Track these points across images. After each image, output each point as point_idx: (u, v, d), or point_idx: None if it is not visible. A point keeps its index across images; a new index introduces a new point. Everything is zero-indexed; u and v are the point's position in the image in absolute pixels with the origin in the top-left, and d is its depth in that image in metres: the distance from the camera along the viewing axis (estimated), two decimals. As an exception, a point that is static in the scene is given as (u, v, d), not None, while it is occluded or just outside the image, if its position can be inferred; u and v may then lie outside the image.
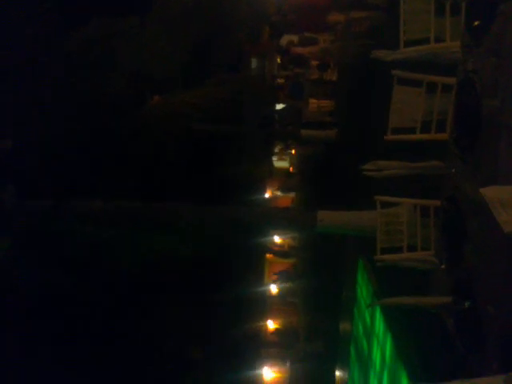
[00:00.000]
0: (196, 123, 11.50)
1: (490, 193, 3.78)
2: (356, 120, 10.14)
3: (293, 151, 16.16)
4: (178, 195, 9.79)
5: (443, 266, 4.46)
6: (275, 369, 14.38)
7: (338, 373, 10.19)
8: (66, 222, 8.12)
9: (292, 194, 16.96)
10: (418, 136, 5.39)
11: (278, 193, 17.61)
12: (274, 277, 14.98)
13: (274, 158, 17.27)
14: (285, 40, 13.28)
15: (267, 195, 17.16)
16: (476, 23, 4.14)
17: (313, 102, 12.12)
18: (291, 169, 16.80)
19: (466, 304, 3.90)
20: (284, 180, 16.67)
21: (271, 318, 14.50)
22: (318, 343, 11.28)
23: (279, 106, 14.80)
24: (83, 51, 9.79)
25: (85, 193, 8.78)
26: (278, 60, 15.07)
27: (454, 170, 4.45)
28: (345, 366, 9.20)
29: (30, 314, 8.44)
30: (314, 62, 11.93)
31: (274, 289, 14.80)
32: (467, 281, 4.35)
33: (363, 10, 9.43)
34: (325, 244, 9.65)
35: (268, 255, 15.65)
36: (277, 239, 15.01)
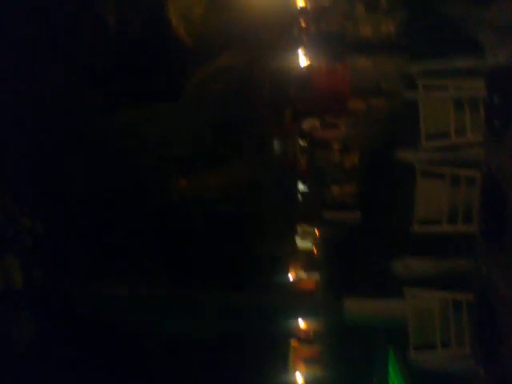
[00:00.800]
0: (220, 205, 11.66)
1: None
2: (380, 206, 10.18)
3: (316, 232, 16.16)
4: (202, 277, 9.76)
5: (481, 371, 4.27)
6: None
7: None
8: (89, 305, 8.13)
9: (316, 275, 16.75)
10: (444, 228, 5.38)
11: (302, 274, 17.38)
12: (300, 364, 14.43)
13: (297, 239, 17.25)
14: (307, 123, 13.66)
15: (291, 276, 16.97)
16: (496, 122, 4.24)
17: (335, 185, 12.24)
18: (315, 249, 16.71)
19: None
20: (308, 260, 16.56)
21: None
22: None
23: (301, 188, 14.98)
24: (114, 137, 10.20)
25: (110, 273, 8.83)
26: (300, 142, 15.47)
27: (483, 269, 4.39)
28: None
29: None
30: (336, 146, 12.18)
31: (299, 378, 14.18)
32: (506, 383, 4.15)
33: (382, 96, 9.75)
34: (352, 330, 9.39)
35: (293, 341, 15.18)
36: (302, 324, 14.62)
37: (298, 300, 8.70)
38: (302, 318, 13.79)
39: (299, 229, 18.37)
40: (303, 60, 12.90)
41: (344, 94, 10.56)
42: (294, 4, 11.17)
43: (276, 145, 16.36)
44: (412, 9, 6.51)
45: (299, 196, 15.62)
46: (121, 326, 8.98)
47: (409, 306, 5.67)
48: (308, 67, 12.88)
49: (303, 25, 11.10)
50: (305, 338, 16.54)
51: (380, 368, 8.49)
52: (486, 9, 4.11)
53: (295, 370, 16.81)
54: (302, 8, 11.03)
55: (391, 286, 7.16)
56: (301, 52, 11.69)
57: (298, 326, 16.02)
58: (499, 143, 4.42)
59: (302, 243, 19.11)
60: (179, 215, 11.01)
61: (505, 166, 4.38)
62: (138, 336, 9.23)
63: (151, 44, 11.45)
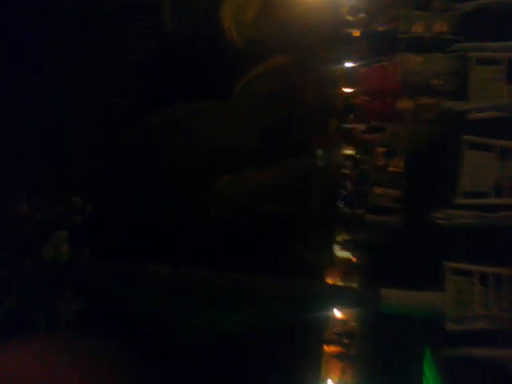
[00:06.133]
0: (263, 203, 11.71)
1: None
2: (424, 208, 9.96)
3: (356, 240, 15.84)
4: (242, 271, 9.78)
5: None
6: None
7: None
8: (136, 287, 8.21)
9: (354, 285, 16.34)
10: (489, 201, 5.20)
11: (340, 283, 16.93)
12: (334, 371, 13.94)
13: (336, 247, 16.92)
14: (353, 127, 13.55)
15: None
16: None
17: (378, 189, 12.04)
18: (354, 259, 16.37)
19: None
20: (346, 269, 16.20)
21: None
22: None
23: (343, 193, 14.78)
24: (163, 130, 10.49)
25: (151, 257, 8.93)
26: (345, 148, 15.33)
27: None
28: None
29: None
30: (381, 149, 12.02)
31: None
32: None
33: (432, 95, 9.62)
34: (388, 327, 9.08)
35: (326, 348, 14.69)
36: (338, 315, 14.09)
37: (336, 289, 8.54)
38: (339, 310, 13.24)
39: (338, 237, 18.04)
40: (352, 60, 12.86)
41: (393, 93, 10.49)
42: (344, 4, 11.25)
43: (320, 150, 16.29)
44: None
45: (341, 201, 15.40)
46: (165, 307, 9.01)
47: (447, 280, 5.47)
48: (357, 67, 12.85)
49: (353, 25, 11.16)
50: (340, 332, 15.82)
51: (415, 367, 8.16)
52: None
53: (327, 378, 16.22)
54: (351, 8, 11.11)
55: (430, 285, 6.95)
56: (350, 52, 11.71)
57: (334, 316, 15.28)
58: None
59: (341, 252, 18.75)
60: (225, 210, 11.11)
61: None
62: (177, 325, 9.20)
63: (203, 44, 11.78)
